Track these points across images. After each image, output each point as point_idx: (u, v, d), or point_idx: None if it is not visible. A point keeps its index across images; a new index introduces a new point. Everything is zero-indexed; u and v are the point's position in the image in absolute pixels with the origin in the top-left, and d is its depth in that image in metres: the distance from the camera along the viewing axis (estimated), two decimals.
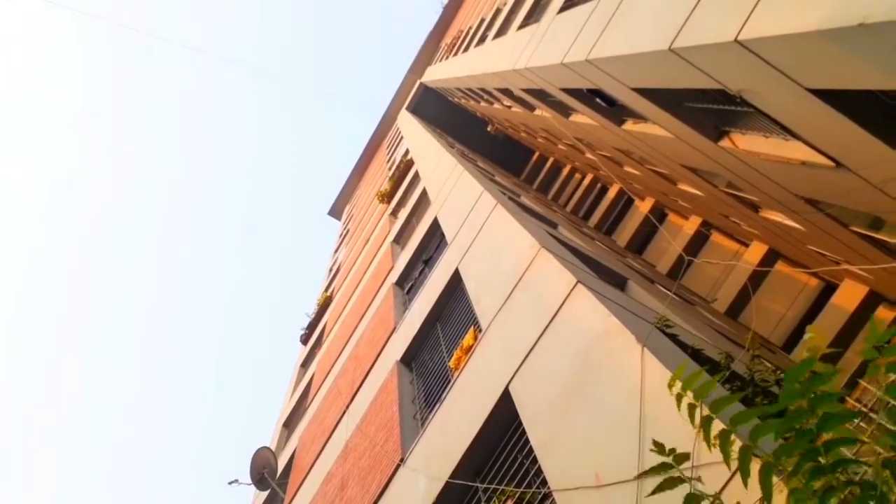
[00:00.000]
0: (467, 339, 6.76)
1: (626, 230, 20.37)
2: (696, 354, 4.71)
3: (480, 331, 6.50)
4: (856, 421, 2.08)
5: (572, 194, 25.77)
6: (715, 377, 2.38)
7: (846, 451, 1.90)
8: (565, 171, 27.51)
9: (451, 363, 6.89)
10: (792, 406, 1.92)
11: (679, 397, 2.36)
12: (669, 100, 7.30)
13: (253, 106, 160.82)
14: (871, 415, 2.06)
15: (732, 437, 2.13)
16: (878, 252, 8.04)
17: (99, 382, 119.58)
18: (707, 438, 2.21)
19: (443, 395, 6.56)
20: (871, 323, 1.92)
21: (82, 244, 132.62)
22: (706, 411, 2.25)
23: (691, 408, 2.30)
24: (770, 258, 13.15)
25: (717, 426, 2.24)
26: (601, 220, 21.90)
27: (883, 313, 10.69)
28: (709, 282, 15.09)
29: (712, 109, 6.95)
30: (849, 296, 10.96)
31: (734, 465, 2.10)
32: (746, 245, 14.19)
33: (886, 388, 1.83)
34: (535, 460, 4.34)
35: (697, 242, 16.07)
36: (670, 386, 2.41)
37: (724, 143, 7.33)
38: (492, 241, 7.80)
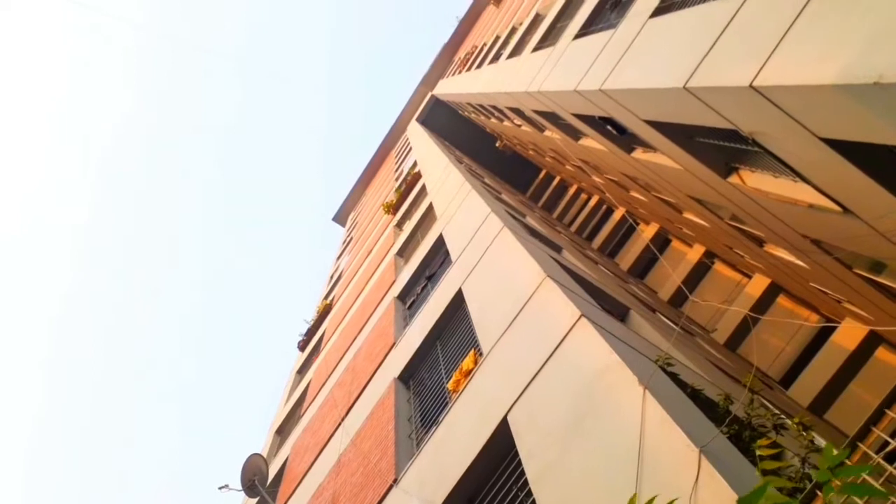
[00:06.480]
0: (467, 362, 6.76)
1: (630, 254, 20.38)
2: (695, 395, 4.73)
3: (481, 355, 6.50)
4: None
5: (577, 214, 25.81)
6: None
7: None
8: (571, 190, 27.57)
9: (450, 385, 6.88)
10: None
11: None
12: (681, 133, 7.35)
13: (259, 106, 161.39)
14: None
15: None
16: (880, 295, 8.06)
17: (93, 381, 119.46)
18: None
19: (440, 417, 6.56)
20: (825, 448, 1.88)
21: (76, 243, 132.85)
22: None
23: None
24: (772, 292, 13.17)
25: None
26: (605, 242, 21.93)
27: (883, 354, 10.70)
28: (709, 311, 15.10)
29: (723, 146, 6.99)
30: (849, 335, 10.98)
31: None
32: (749, 277, 14.21)
33: None
34: (529, 493, 4.34)
35: (700, 272, 16.10)
36: None
37: (733, 179, 7.37)
38: (497, 265, 7.82)
